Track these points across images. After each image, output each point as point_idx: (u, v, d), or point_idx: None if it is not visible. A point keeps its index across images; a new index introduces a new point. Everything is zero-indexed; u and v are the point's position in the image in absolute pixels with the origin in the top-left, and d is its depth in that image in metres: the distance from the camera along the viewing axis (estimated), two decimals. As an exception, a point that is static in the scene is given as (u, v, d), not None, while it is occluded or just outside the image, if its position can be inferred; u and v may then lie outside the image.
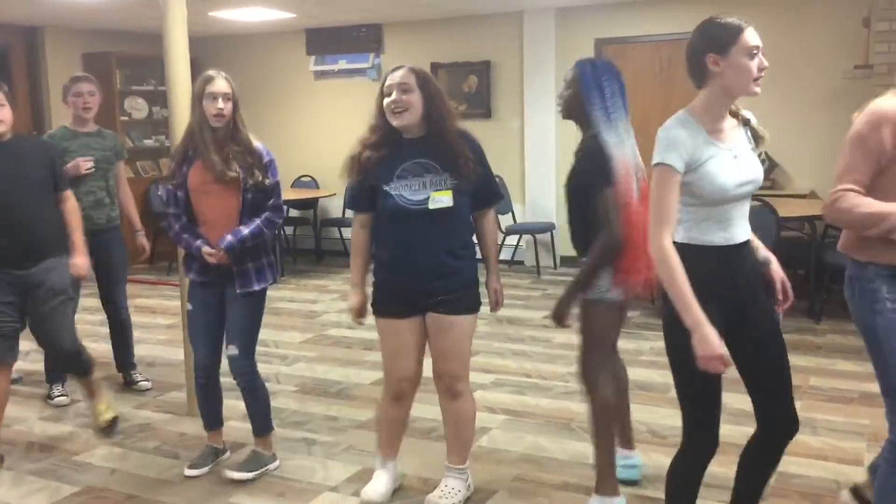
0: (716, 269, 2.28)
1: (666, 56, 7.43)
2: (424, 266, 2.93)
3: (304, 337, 5.61)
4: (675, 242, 2.23)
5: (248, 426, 3.56)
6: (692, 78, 2.33)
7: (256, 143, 3.37)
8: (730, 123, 2.35)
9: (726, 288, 2.29)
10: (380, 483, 3.16)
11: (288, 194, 7.87)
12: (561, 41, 7.70)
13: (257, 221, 3.30)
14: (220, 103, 3.22)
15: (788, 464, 3.39)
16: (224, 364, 3.37)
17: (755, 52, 2.22)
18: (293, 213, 8.54)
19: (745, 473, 2.51)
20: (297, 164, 8.84)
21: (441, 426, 3.79)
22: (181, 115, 3.95)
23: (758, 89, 2.26)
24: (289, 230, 8.83)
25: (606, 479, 2.95)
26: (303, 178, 8.90)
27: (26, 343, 4.98)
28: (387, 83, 2.92)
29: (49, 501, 3.24)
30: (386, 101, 2.91)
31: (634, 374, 4.57)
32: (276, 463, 3.50)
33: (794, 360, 4.69)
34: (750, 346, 2.36)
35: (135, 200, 4.74)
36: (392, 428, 3.19)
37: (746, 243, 2.37)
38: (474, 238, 3.08)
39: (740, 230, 2.34)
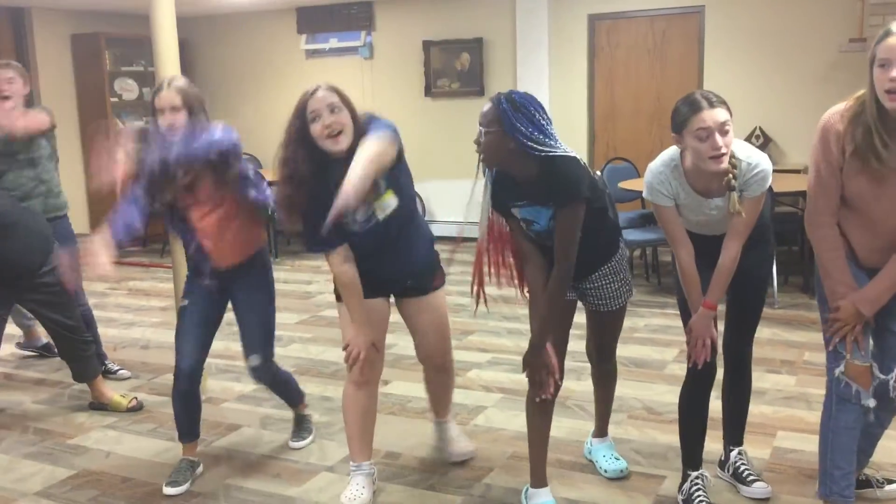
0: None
1: (660, 31, 7.38)
2: None
3: (298, 318, 5.59)
4: None
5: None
6: None
7: (216, 129, 2.96)
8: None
9: None
10: (359, 489, 2.96)
11: (281, 175, 7.83)
12: (554, 17, 7.64)
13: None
14: (169, 116, 2.94)
15: (784, 439, 3.40)
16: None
17: (703, 133, 2.45)
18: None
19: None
20: (290, 145, 8.79)
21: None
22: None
23: (715, 166, 2.48)
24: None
25: (532, 470, 2.90)
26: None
27: (15, 329, 4.99)
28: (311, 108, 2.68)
29: (44, 485, 3.23)
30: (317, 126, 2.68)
31: (630, 351, 4.59)
32: (314, 416, 3.70)
33: (789, 335, 4.78)
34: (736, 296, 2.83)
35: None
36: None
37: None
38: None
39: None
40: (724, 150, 2.47)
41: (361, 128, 2.72)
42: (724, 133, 2.47)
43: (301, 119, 2.70)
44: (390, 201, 2.79)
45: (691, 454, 2.88)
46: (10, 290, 3.56)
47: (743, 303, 2.83)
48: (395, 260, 2.91)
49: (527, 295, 2.80)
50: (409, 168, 2.89)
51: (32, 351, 4.86)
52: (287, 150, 2.72)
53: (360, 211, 2.76)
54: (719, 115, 2.46)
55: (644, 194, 2.73)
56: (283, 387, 3.48)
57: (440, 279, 3.09)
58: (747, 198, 2.58)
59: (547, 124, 2.60)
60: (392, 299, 3.07)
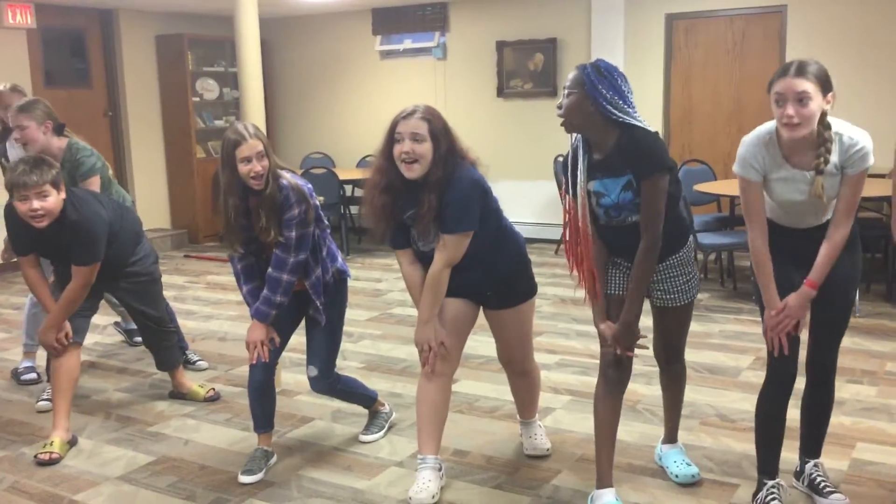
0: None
1: (739, 31, 7.23)
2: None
3: (369, 315, 5.67)
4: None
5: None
6: None
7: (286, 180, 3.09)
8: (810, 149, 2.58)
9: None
10: (427, 482, 2.96)
11: (353, 174, 7.97)
12: (630, 17, 7.55)
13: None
14: (257, 164, 2.98)
15: (863, 451, 3.30)
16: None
17: (779, 99, 2.51)
18: (358, 192, 8.62)
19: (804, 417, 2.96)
20: (363, 144, 8.89)
21: (505, 405, 3.82)
22: (252, 96, 4.03)
23: (787, 133, 2.51)
24: (354, 209, 8.92)
25: (597, 469, 2.89)
26: (367, 158, 8.95)
27: (103, 318, 5.19)
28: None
29: (126, 470, 3.36)
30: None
31: (703, 356, 4.51)
32: (393, 413, 3.71)
33: (870, 344, 4.64)
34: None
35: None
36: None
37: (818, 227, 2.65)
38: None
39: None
40: (795, 120, 2.48)
41: (448, 166, 2.79)
42: (800, 104, 2.47)
43: (390, 135, 2.81)
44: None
45: (767, 462, 2.82)
46: (103, 283, 3.71)
47: (831, 311, 2.72)
48: (473, 268, 2.94)
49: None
50: (492, 199, 2.95)
51: (123, 333, 5.11)
52: (381, 160, 2.85)
53: (424, 241, 2.92)
54: (798, 84, 2.47)
55: (734, 168, 2.69)
56: (347, 395, 3.55)
57: (527, 293, 3.10)
58: (849, 174, 2.56)
59: (629, 93, 2.66)
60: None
